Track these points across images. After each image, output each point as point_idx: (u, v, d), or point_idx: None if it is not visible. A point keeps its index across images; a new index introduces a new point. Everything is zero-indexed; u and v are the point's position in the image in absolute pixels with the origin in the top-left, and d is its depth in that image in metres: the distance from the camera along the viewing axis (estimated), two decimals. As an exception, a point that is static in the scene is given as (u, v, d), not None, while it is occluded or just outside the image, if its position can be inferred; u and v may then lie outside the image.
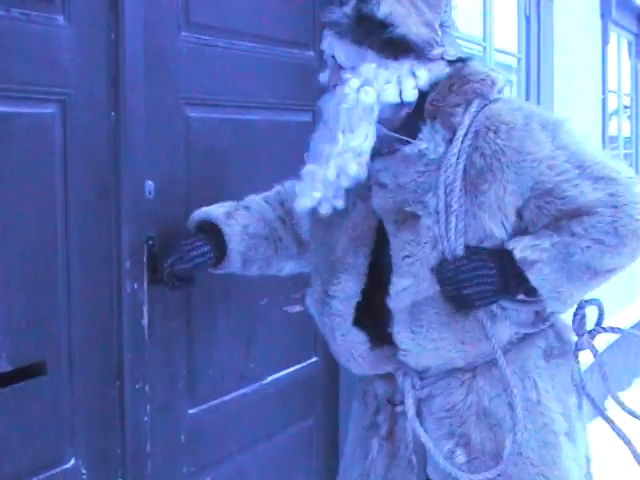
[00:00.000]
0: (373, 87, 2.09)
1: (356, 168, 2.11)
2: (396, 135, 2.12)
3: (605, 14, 6.69)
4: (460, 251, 2.04)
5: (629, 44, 7.96)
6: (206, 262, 2.35)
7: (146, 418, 2.42)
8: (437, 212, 2.05)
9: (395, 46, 2.10)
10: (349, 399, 3.28)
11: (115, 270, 2.31)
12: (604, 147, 6.82)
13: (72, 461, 2.22)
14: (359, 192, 2.18)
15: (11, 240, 2.04)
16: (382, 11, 2.07)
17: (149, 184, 2.39)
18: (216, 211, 2.41)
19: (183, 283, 2.37)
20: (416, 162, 2.09)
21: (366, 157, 2.11)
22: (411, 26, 2.10)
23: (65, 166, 2.15)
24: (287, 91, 2.99)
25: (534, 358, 2.18)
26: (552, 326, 2.24)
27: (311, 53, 3.11)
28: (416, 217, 2.07)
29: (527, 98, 5.04)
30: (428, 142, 2.08)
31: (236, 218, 2.40)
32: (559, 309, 2.11)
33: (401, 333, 2.10)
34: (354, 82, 2.11)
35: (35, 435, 2.12)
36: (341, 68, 2.17)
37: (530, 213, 2.04)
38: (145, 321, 2.39)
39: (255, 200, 2.51)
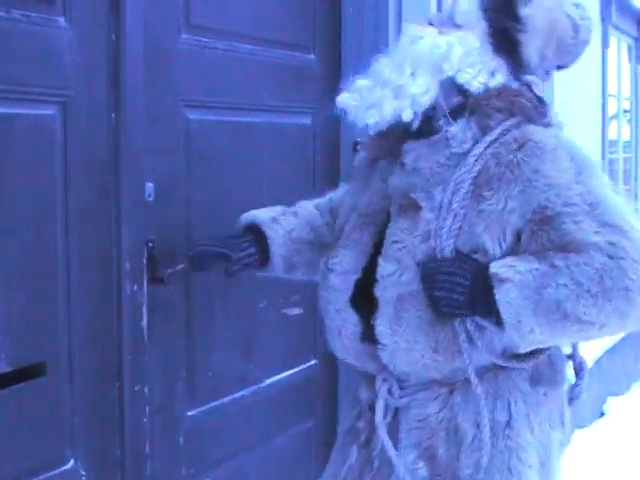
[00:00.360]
0: (458, 61, 2.07)
1: (411, 115, 2.08)
2: (445, 110, 2.08)
3: (605, 18, 6.69)
4: (448, 252, 1.99)
5: (629, 48, 7.96)
6: (252, 263, 2.37)
7: (145, 419, 2.42)
8: (440, 208, 2.02)
9: (504, 43, 2.10)
10: (348, 402, 3.29)
11: (115, 271, 2.31)
12: (603, 150, 6.82)
13: (71, 462, 2.23)
14: (382, 171, 2.17)
15: (11, 241, 2.04)
16: (525, 11, 2.08)
17: (149, 186, 2.40)
18: (263, 215, 2.42)
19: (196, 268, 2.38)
20: (440, 152, 2.06)
21: (421, 109, 2.08)
22: (531, 44, 2.11)
23: (65, 167, 2.16)
24: (287, 93, 2.99)
25: (515, 380, 2.09)
26: (549, 356, 2.14)
27: (311, 56, 3.11)
28: (418, 208, 2.05)
29: (527, 102, 5.04)
30: (458, 133, 2.05)
31: (280, 223, 2.41)
32: (517, 342, 1.93)
33: (382, 326, 2.05)
34: (457, 49, 2.07)
35: (34, 436, 2.12)
36: (454, 25, 2.14)
37: (525, 237, 1.96)
38: (144, 323, 2.39)
39: (305, 206, 2.52)
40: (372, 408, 2.19)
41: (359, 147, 2.34)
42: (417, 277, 2.02)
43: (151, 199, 2.41)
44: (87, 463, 2.26)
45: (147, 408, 2.43)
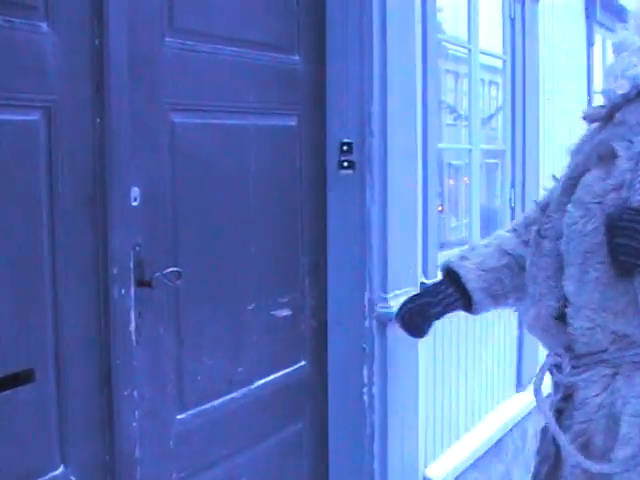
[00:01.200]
0: None
1: None
2: None
3: (590, 16, 6.70)
4: (638, 202, 1.98)
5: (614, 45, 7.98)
6: (453, 303, 2.40)
7: (135, 424, 2.42)
8: (638, 160, 2.00)
9: None
10: (338, 403, 3.29)
11: (102, 276, 2.30)
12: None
13: (61, 468, 2.22)
14: (592, 132, 2.22)
15: (-3, 247, 2.04)
16: None
17: (135, 190, 2.39)
18: (452, 257, 2.45)
19: (418, 329, 2.44)
20: None
21: None
22: None
23: (50, 172, 2.15)
24: (272, 95, 2.99)
25: None
26: None
27: (296, 57, 3.11)
28: (615, 156, 2.05)
29: (513, 100, 5.05)
30: None
31: (469, 258, 2.41)
32: None
33: (569, 286, 2.07)
34: None
35: (23, 442, 2.11)
36: None
37: None
38: (132, 327, 2.38)
39: (497, 233, 2.53)
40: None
41: (585, 118, 2.33)
42: (602, 228, 2.01)
43: (137, 203, 2.40)
44: (77, 469, 2.25)
45: (137, 412, 2.42)
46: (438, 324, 3.88)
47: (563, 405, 2.16)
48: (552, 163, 5.61)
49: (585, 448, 2.07)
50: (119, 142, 2.32)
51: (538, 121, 5.28)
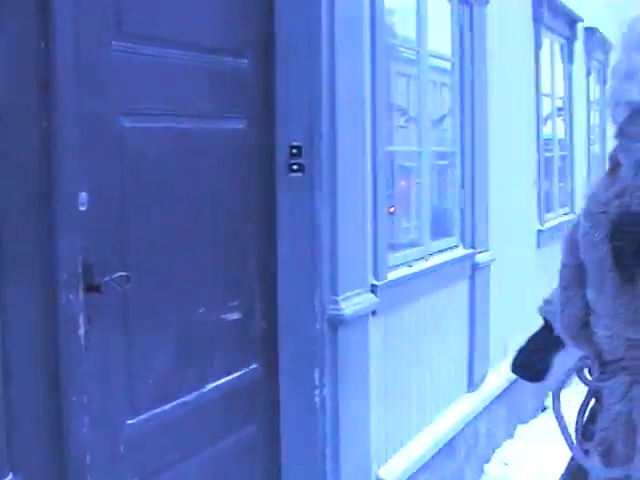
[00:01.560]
0: None
1: None
2: None
3: (537, 19, 6.77)
4: (637, 205, 2.01)
5: (561, 48, 8.08)
6: (553, 346, 2.42)
7: (85, 430, 2.40)
8: (637, 166, 2.04)
9: None
10: (290, 405, 3.30)
11: (50, 281, 2.28)
12: (539, 148, 6.91)
13: (10, 476, 2.19)
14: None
15: (-59, 253, 2.01)
16: None
17: (82, 195, 2.37)
18: (542, 300, 2.49)
19: (534, 377, 2.46)
20: None
21: None
22: None
23: (-4, 177, 2.13)
24: (221, 99, 2.99)
25: None
26: None
27: (244, 61, 3.11)
28: (619, 165, 2.08)
29: (462, 102, 5.09)
30: None
31: (552, 301, 2.43)
32: None
33: (590, 295, 2.11)
34: None
35: (-29, 450, 2.10)
36: None
37: None
38: (81, 331, 2.37)
39: None
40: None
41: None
42: (609, 236, 2.05)
43: (85, 208, 2.38)
44: (26, 476, 2.22)
45: (86, 418, 2.40)
46: (387, 323, 3.94)
47: (597, 408, 2.21)
48: (501, 164, 5.67)
49: (607, 455, 2.11)
50: (66, 146, 2.30)
51: (487, 123, 5.32)
